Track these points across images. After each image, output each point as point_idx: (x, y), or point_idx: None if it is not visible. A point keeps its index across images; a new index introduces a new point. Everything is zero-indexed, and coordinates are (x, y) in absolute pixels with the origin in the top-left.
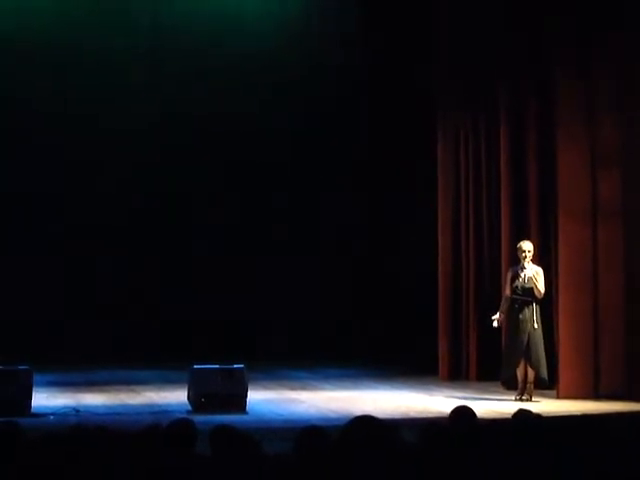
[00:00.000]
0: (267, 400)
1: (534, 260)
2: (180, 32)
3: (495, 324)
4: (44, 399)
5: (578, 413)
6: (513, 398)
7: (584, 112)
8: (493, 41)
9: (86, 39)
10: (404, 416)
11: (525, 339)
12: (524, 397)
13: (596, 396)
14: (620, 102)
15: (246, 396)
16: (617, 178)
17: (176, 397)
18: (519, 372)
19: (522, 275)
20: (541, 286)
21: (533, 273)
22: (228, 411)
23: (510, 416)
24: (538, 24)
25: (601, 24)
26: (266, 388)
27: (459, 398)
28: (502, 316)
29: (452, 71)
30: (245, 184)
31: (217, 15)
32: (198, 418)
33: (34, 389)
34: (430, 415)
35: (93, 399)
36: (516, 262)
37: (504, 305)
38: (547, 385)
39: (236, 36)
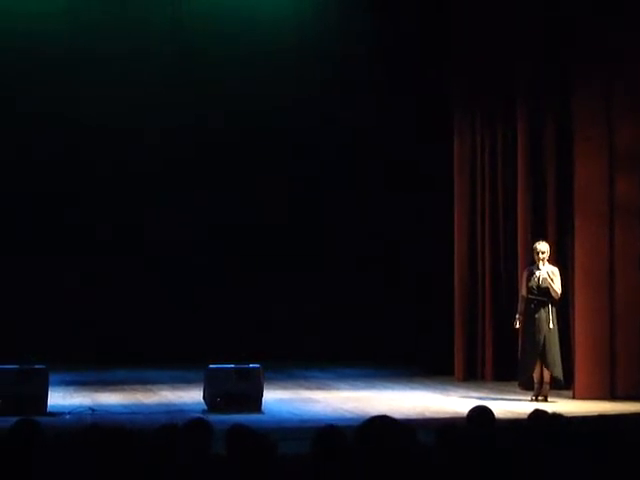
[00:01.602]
0: (283, 400)
1: (550, 260)
2: (197, 33)
3: (517, 325)
4: (60, 398)
5: (594, 414)
6: (529, 398)
7: (602, 113)
8: (510, 41)
9: (102, 41)
10: (420, 416)
11: (541, 339)
12: (540, 397)
13: (612, 396)
14: (638, 101)
15: (262, 396)
16: (634, 179)
17: (192, 397)
18: (535, 372)
19: (537, 275)
20: (557, 286)
21: (548, 273)
22: (244, 411)
23: (526, 416)
24: (554, 23)
25: (619, 23)
26: (282, 388)
27: (475, 398)
28: (521, 317)
29: (469, 72)
30: (257, 181)
31: (233, 16)
32: (214, 418)
33: (50, 388)
34: (446, 415)
35: (109, 398)
36: (533, 262)
37: (521, 306)
38: (563, 385)
39: (252, 36)
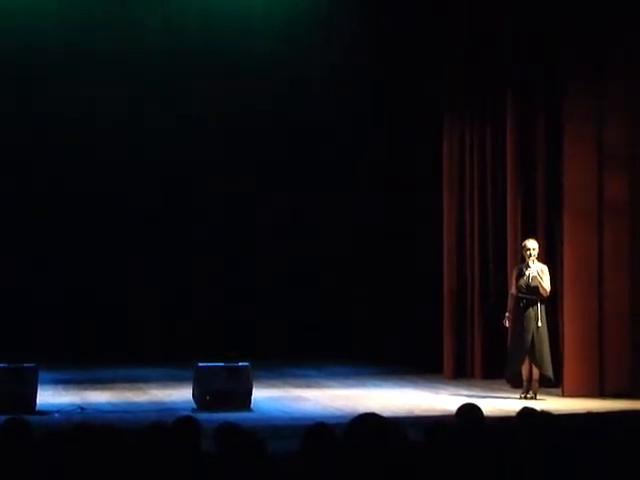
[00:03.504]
0: (272, 398)
1: (540, 258)
2: (191, 33)
3: (506, 323)
4: (49, 397)
5: (583, 411)
6: (518, 396)
7: (592, 112)
8: (502, 40)
9: (97, 41)
10: (409, 414)
11: (530, 337)
12: (529, 395)
13: (601, 394)
14: (628, 102)
15: (251, 394)
16: (624, 178)
17: (181, 395)
18: (524, 370)
19: (527, 273)
20: (546, 284)
21: (538, 271)
22: (233, 409)
23: (515, 414)
24: (547, 24)
25: (612, 23)
26: (271, 386)
27: (464, 396)
28: (510, 315)
29: (461, 71)
30: (255, 182)
31: (228, 15)
32: (203, 416)
33: (39, 386)
34: (436, 413)
35: (98, 397)
36: (522, 260)
37: (511, 303)
38: (552, 383)
39: (247, 36)
